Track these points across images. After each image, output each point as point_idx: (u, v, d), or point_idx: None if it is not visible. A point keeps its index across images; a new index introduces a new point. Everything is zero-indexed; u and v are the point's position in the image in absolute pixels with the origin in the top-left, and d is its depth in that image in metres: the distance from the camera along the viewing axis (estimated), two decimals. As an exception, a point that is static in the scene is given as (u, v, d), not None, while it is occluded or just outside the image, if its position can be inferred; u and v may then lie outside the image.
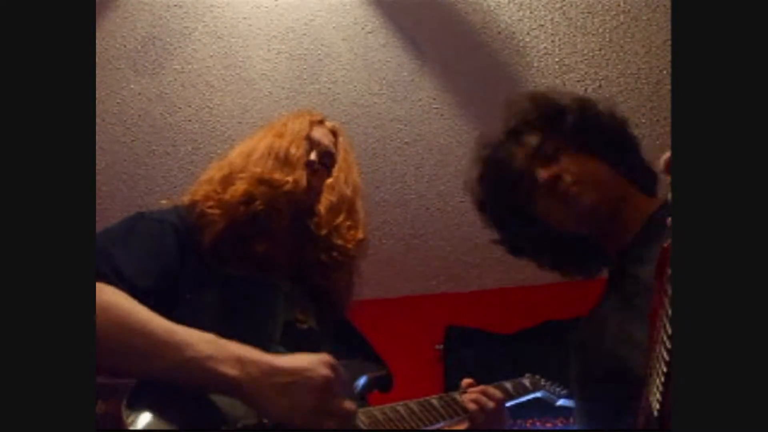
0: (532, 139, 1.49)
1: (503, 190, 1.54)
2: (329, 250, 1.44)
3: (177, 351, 1.09)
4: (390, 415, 1.35)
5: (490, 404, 1.53)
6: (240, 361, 1.10)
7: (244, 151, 1.47)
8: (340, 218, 1.45)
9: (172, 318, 1.14)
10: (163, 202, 1.44)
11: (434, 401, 1.47)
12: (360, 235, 1.47)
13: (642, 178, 1.52)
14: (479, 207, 1.61)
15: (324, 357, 1.15)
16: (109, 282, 1.16)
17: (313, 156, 1.47)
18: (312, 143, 1.49)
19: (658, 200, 1.50)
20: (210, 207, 1.35)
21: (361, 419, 1.29)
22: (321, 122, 1.56)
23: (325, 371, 1.12)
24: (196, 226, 1.34)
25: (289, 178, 1.39)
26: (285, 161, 1.41)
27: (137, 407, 1.05)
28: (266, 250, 1.34)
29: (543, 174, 1.46)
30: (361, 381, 1.33)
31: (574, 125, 1.51)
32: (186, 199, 1.42)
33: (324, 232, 1.43)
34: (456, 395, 1.53)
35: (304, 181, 1.41)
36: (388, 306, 3.74)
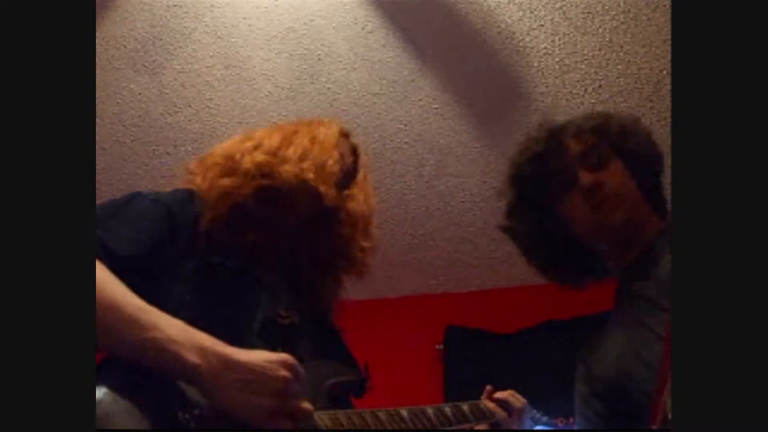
0: (589, 138, 1.52)
1: (540, 178, 1.54)
2: (337, 256, 1.47)
3: (143, 330, 1.08)
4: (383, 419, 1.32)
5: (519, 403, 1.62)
6: (202, 350, 1.09)
7: (275, 140, 1.47)
8: (357, 233, 1.47)
9: (149, 301, 1.13)
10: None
11: (447, 409, 1.49)
12: (369, 260, 1.50)
13: (658, 200, 1.56)
14: (509, 181, 1.61)
15: (284, 357, 1.14)
16: None
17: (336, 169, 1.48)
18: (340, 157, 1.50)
19: (666, 221, 1.52)
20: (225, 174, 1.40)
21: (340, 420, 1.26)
22: (347, 136, 1.57)
23: (283, 373, 1.11)
24: (195, 209, 1.35)
25: (321, 189, 1.39)
26: (322, 170, 1.42)
27: (99, 383, 1.04)
28: (257, 239, 1.35)
29: (587, 178, 1.47)
30: (329, 382, 1.32)
31: (627, 140, 1.56)
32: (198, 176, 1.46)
33: (339, 240, 1.46)
34: (466, 404, 1.54)
35: (332, 192, 1.42)
36: (388, 306, 3.74)
